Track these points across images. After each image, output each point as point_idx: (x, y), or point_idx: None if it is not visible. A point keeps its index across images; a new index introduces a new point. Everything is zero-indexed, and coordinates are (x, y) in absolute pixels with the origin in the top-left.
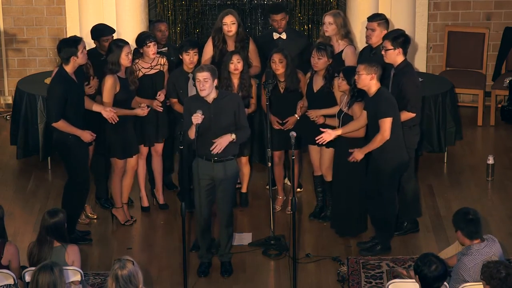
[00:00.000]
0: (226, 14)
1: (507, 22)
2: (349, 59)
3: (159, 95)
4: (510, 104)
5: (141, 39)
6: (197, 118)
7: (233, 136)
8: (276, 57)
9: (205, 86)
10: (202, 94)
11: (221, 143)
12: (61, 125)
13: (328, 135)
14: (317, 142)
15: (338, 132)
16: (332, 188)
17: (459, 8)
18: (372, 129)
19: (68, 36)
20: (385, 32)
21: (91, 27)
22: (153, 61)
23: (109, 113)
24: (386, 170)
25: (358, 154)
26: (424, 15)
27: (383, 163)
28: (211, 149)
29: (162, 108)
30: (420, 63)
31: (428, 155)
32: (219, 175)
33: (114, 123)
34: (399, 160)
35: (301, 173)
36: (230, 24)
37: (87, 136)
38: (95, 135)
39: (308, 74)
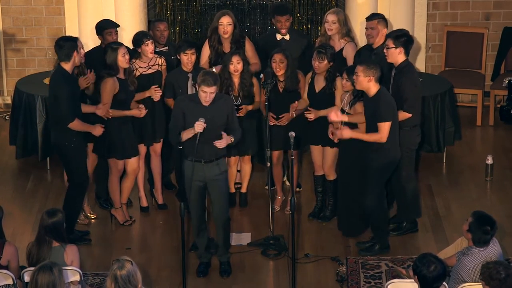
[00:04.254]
0: (223, 15)
1: (506, 22)
2: (350, 56)
3: (156, 89)
4: (509, 104)
5: (138, 38)
6: (200, 126)
7: (232, 139)
8: (277, 57)
9: (211, 98)
10: (205, 104)
11: (222, 143)
12: (77, 124)
13: (335, 116)
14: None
15: (345, 118)
16: (338, 188)
17: (458, 8)
18: (370, 129)
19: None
20: (385, 30)
21: (90, 27)
22: (150, 61)
23: (102, 110)
24: (378, 168)
25: (346, 132)
26: (423, 15)
27: (376, 163)
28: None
29: (160, 91)
30: (419, 63)
31: (427, 155)
32: (210, 175)
33: (108, 118)
34: (392, 159)
35: (300, 173)
36: (226, 25)
37: (99, 130)
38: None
39: (309, 75)
